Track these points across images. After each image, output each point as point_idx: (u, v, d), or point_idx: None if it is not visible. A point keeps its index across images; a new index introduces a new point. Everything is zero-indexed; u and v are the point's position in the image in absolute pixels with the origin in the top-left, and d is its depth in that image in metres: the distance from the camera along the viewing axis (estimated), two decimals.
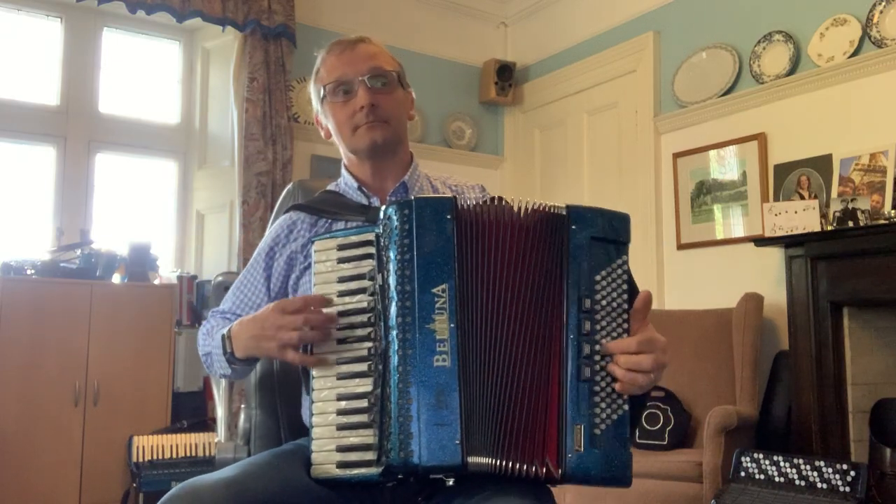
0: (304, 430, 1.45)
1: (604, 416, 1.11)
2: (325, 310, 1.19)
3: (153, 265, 3.93)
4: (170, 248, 4.45)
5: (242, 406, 1.85)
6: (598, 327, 1.13)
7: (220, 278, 3.81)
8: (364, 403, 1.14)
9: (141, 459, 3.48)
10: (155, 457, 3.51)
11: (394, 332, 1.11)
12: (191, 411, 3.84)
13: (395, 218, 1.14)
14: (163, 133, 4.48)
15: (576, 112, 4.77)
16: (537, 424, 1.11)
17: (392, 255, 1.14)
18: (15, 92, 4.06)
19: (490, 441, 1.10)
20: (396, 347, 1.10)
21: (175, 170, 4.51)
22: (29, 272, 3.53)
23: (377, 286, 1.16)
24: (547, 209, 1.16)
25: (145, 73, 4.48)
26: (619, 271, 1.15)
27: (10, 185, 4.04)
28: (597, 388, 1.12)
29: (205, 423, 3.86)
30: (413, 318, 1.10)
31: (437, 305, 1.11)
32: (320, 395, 1.17)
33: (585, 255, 1.14)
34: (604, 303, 1.13)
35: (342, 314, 1.19)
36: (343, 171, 1.55)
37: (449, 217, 1.13)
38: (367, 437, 1.12)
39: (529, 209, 1.16)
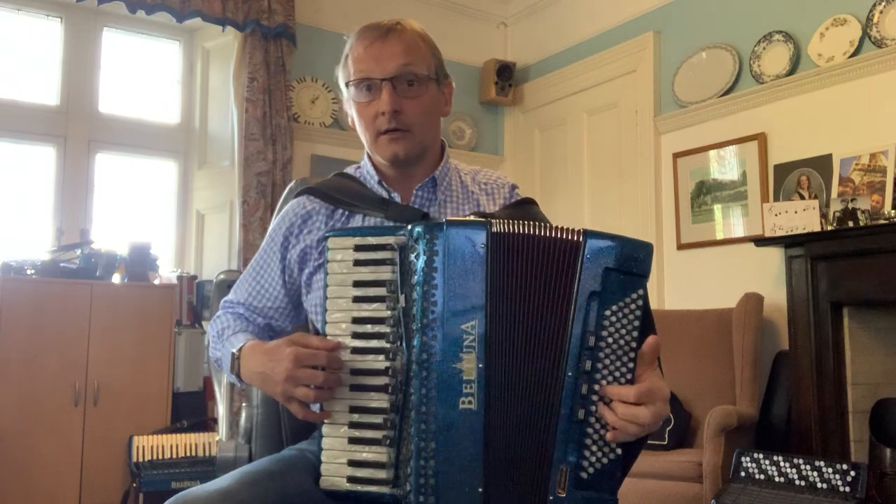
0: (305, 430, 1.44)
1: (593, 459, 1.06)
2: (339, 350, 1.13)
3: (153, 265, 3.93)
4: (170, 248, 4.45)
5: (244, 405, 1.85)
6: (599, 366, 1.05)
7: (221, 276, 3.80)
8: (378, 419, 1.09)
9: (141, 459, 3.48)
10: (155, 457, 3.51)
11: (416, 368, 1.05)
12: (191, 411, 3.84)
13: (423, 242, 1.07)
14: (163, 133, 4.48)
15: (576, 112, 4.77)
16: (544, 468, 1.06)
17: (418, 280, 1.07)
18: (15, 92, 4.05)
19: (510, 488, 1.05)
20: (419, 385, 1.05)
21: (175, 170, 4.51)
22: (29, 272, 3.53)
23: (399, 307, 1.09)
24: (562, 235, 1.08)
25: (145, 73, 4.48)
26: (633, 306, 1.05)
27: (10, 185, 4.04)
28: (589, 430, 1.06)
29: (205, 423, 3.86)
30: (439, 356, 1.04)
31: (466, 343, 1.04)
32: (332, 406, 1.13)
33: (595, 287, 1.05)
34: (610, 340, 1.05)
35: (357, 321, 1.12)
36: (366, 158, 1.44)
37: (483, 247, 1.06)
38: (381, 454, 1.09)
39: (546, 234, 1.08)
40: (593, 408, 1.05)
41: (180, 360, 3.86)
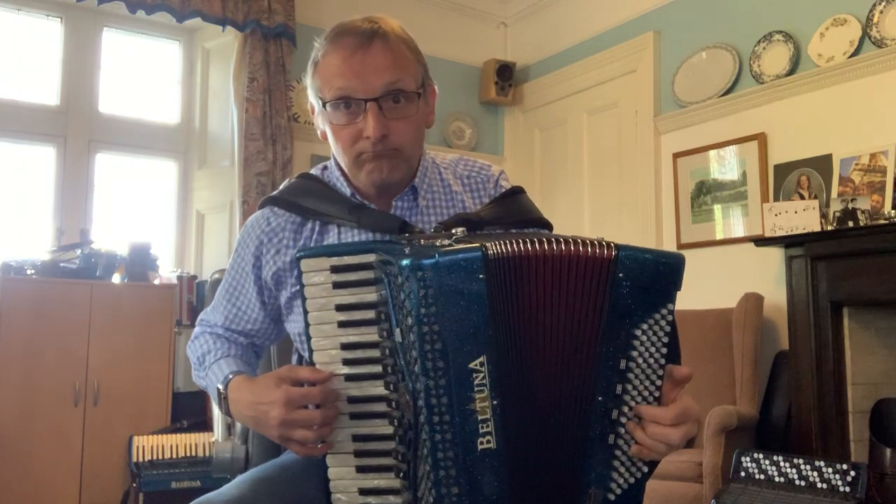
0: None
1: (621, 480, 1.04)
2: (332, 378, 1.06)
3: (153, 265, 3.93)
4: (170, 248, 4.45)
5: None
6: (630, 387, 1.01)
7: (216, 275, 3.79)
8: (384, 445, 1.05)
9: (141, 459, 3.48)
10: (155, 457, 3.51)
11: (426, 412, 0.98)
12: (191, 411, 3.84)
13: (413, 280, 0.96)
14: (163, 133, 4.48)
15: (576, 112, 4.77)
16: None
17: (414, 321, 0.97)
18: (15, 92, 4.06)
19: None
20: (432, 432, 0.97)
21: (175, 170, 4.51)
22: (29, 272, 3.53)
23: (394, 340, 1.01)
24: (592, 252, 0.98)
25: (145, 73, 4.48)
26: (663, 323, 0.99)
27: (10, 185, 4.04)
28: (618, 453, 1.03)
29: (205, 423, 3.85)
30: (449, 399, 0.97)
31: (476, 382, 0.96)
32: (333, 436, 1.08)
33: (628, 307, 0.98)
34: (640, 360, 1.00)
35: (346, 346, 1.05)
36: (334, 164, 1.30)
37: (481, 277, 0.95)
38: (393, 480, 1.05)
39: (572, 251, 0.98)
40: (622, 429, 1.02)
41: (180, 360, 3.86)
